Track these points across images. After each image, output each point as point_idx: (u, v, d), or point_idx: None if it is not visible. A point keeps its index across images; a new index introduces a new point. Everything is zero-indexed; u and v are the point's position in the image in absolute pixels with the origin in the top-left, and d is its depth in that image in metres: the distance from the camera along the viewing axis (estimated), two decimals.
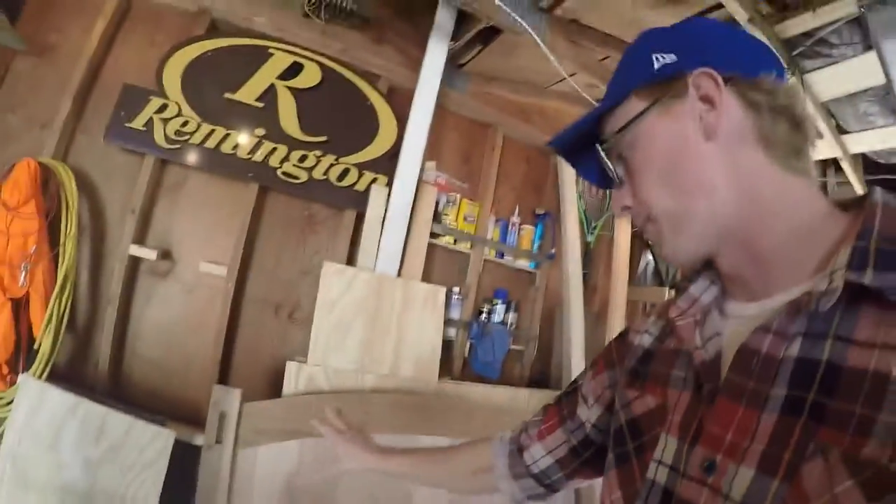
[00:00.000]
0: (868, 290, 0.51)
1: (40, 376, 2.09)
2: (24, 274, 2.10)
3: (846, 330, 0.52)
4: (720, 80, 0.63)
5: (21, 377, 2.00)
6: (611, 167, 0.73)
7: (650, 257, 3.83)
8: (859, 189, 3.32)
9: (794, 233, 0.62)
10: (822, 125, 2.70)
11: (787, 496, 0.49)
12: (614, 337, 0.93)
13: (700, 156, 0.64)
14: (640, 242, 3.85)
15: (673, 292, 0.85)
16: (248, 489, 1.91)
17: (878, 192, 0.60)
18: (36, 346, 2.13)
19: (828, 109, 2.70)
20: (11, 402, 1.98)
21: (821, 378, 0.51)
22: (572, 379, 1.02)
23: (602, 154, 0.73)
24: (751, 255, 0.64)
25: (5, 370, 2.11)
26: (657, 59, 0.67)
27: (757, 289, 0.65)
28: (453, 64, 2.92)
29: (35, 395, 1.92)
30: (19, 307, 2.13)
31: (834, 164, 3.36)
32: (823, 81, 2.42)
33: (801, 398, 0.52)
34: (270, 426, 1.98)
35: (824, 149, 2.98)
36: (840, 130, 2.88)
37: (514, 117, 3.17)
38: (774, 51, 0.72)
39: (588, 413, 0.90)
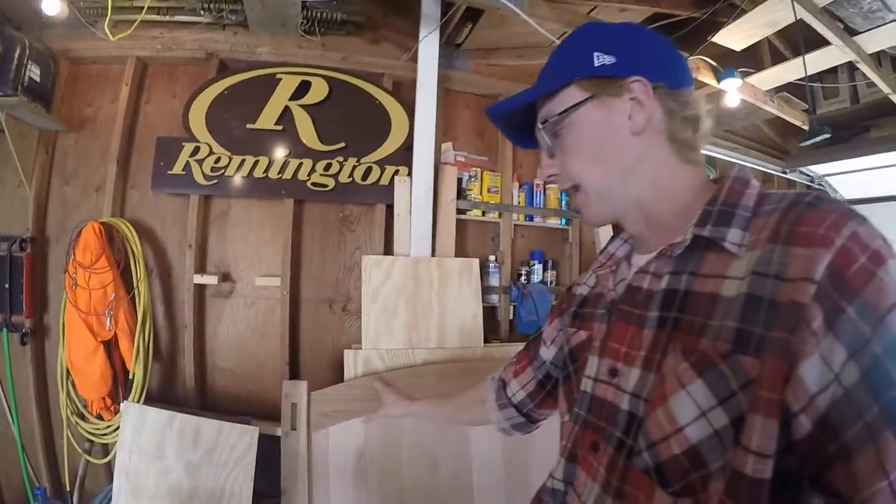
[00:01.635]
0: (710, 240, 0.71)
1: (138, 401, 2.41)
2: (108, 319, 2.42)
3: (695, 267, 0.72)
4: (651, 88, 0.78)
5: (123, 405, 2.31)
6: (547, 142, 0.86)
7: None
8: (886, 89, 3.34)
9: (678, 207, 0.80)
10: (826, 30, 2.64)
11: (657, 381, 0.70)
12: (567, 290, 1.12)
13: (625, 145, 0.79)
14: None
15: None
16: (324, 466, 2.14)
17: (735, 170, 0.79)
18: (130, 377, 2.46)
19: (830, 13, 2.63)
20: (118, 428, 2.29)
21: (679, 301, 0.72)
22: None
23: (541, 130, 0.86)
24: (648, 222, 0.83)
25: (108, 402, 2.44)
26: (597, 57, 0.79)
27: (650, 245, 0.83)
28: (451, 45, 3.03)
29: (136, 417, 2.22)
30: (110, 347, 2.46)
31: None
32: None
33: (666, 316, 0.73)
34: (336, 409, 2.20)
35: (836, 54, 2.92)
36: (851, 32, 2.80)
37: (521, 82, 3.20)
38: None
39: (547, 353, 1.10)
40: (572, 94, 0.81)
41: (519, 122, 0.93)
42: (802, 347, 0.56)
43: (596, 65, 0.79)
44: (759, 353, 0.60)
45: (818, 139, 2.67)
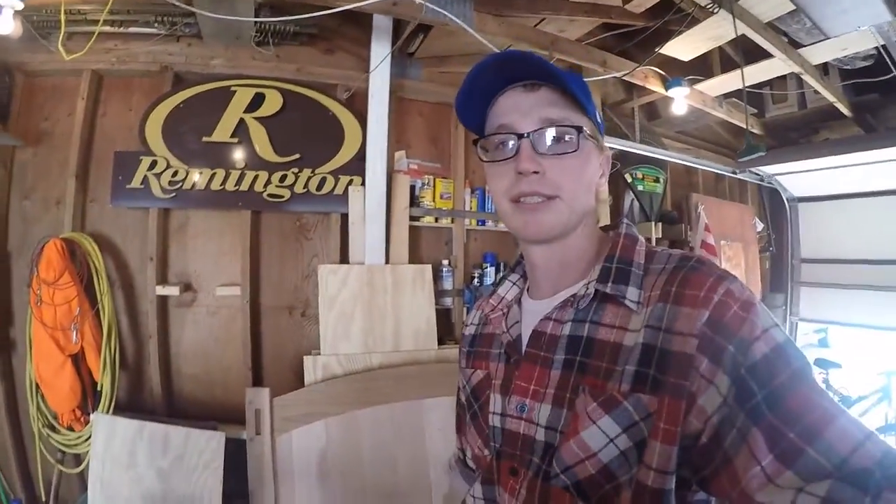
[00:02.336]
0: (609, 294, 0.82)
1: (107, 411, 2.51)
2: (74, 333, 2.50)
3: (597, 317, 0.82)
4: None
5: (93, 416, 2.41)
6: (561, 139, 0.84)
7: (632, 196, 4.04)
8: (830, 98, 3.65)
9: (582, 254, 0.91)
10: (768, 45, 2.81)
11: (570, 417, 0.80)
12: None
13: (592, 192, 0.90)
14: (621, 183, 4.03)
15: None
16: (288, 468, 2.29)
17: (623, 226, 0.91)
18: (99, 388, 2.55)
19: (775, 27, 2.80)
20: (89, 437, 2.39)
21: (582, 347, 0.82)
22: None
23: (552, 125, 0.84)
24: (561, 260, 0.91)
25: (79, 413, 2.55)
26: (599, 115, 0.92)
27: (543, 289, 0.94)
28: (404, 55, 3.11)
29: (106, 427, 2.32)
30: (78, 360, 2.54)
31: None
32: (758, 4, 2.59)
33: (571, 359, 0.82)
34: (297, 412, 2.35)
35: (781, 65, 3.11)
36: (796, 45, 2.99)
37: None
38: None
39: (465, 396, 1.17)
40: (588, 125, 0.86)
41: (486, 87, 0.90)
42: (699, 385, 0.70)
43: (599, 120, 0.92)
44: (655, 392, 0.73)
45: (754, 156, 2.83)
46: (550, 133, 0.84)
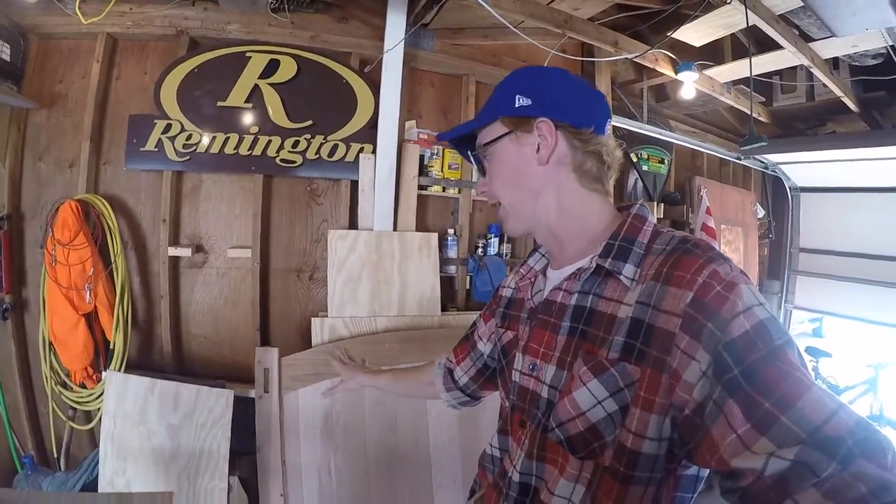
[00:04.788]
0: (609, 270, 0.89)
1: (119, 369, 2.56)
2: (88, 293, 2.53)
3: (599, 290, 0.91)
4: (553, 126, 0.96)
5: (105, 374, 2.46)
6: (478, 166, 1.10)
7: (637, 175, 4.08)
8: (838, 92, 3.68)
9: (582, 230, 1.00)
10: (779, 36, 2.83)
11: (567, 378, 0.90)
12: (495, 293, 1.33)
13: (533, 173, 0.99)
14: (627, 162, 4.07)
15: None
16: (294, 425, 2.35)
17: (636, 207, 0.98)
18: (111, 347, 2.60)
19: (787, 20, 2.82)
20: (101, 395, 2.44)
21: (585, 316, 0.91)
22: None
23: (471, 156, 1.11)
24: (557, 240, 1.03)
25: (91, 371, 2.59)
26: (519, 99, 0.98)
27: (560, 261, 1.04)
28: (418, 25, 3.10)
29: (119, 384, 2.36)
30: (91, 319, 2.58)
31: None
32: None
33: (575, 327, 0.92)
34: (304, 372, 2.41)
35: (790, 57, 3.14)
36: (807, 38, 3.01)
37: (485, 63, 3.34)
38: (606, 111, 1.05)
39: (484, 347, 1.32)
40: (497, 129, 1.01)
41: (467, 141, 1.11)
42: (680, 360, 0.76)
43: (516, 105, 0.98)
44: (639, 362, 0.81)
45: (755, 146, 2.87)
46: (476, 162, 1.10)
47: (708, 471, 0.84)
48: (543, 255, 1.14)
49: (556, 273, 1.05)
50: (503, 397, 1.12)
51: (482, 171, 1.09)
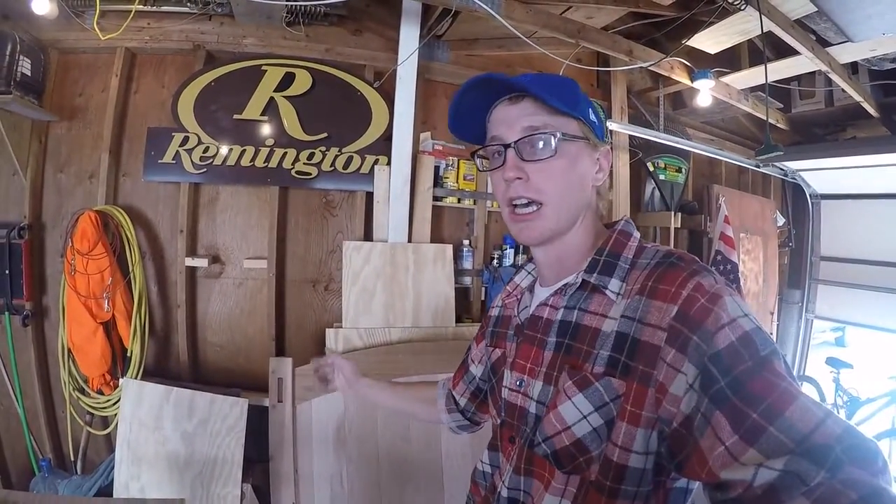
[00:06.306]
0: (595, 284, 0.89)
1: (136, 376, 2.60)
2: (106, 301, 2.59)
3: (584, 305, 0.90)
4: (611, 156, 0.97)
5: (122, 381, 2.49)
6: (528, 147, 0.90)
7: (654, 184, 4.04)
8: (857, 97, 3.63)
9: (581, 248, 0.97)
10: (795, 42, 2.79)
11: (553, 393, 0.88)
12: (485, 314, 1.31)
13: (586, 190, 0.96)
14: (643, 171, 4.04)
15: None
16: (307, 435, 2.35)
17: (621, 223, 0.97)
18: (128, 354, 2.65)
19: (804, 25, 2.78)
20: (118, 401, 2.48)
21: (570, 331, 0.90)
22: None
23: (534, 134, 0.89)
24: (559, 255, 0.98)
25: (108, 378, 2.64)
26: (592, 112, 0.95)
27: (549, 279, 1.01)
28: (432, 36, 3.12)
29: (135, 391, 2.40)
30: (108, 328, 2.64)
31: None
32: (787, 1, 2.57)
33: (561, 342, 0.91)
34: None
35: (808, 63, 3.09)
36: (824, 44, 2.97)
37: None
38: None
39: (476, 370, 1.31)
40: (573, 126, 0.92)
41: (472, 105, 0.97)
42: (666, 374, 0.75)
43: (590, 118, 0.95)
44: (624, 376, 0.80)
45: (771, 155, 2.84)
46: (531, 141, 0.90)
47: (697, 483, 0.83)
48: (530, 273, 1.13)
49: (543, 290, 1.03)
50: (493, 415, 1.11)
51: (521, 157, 0.90)
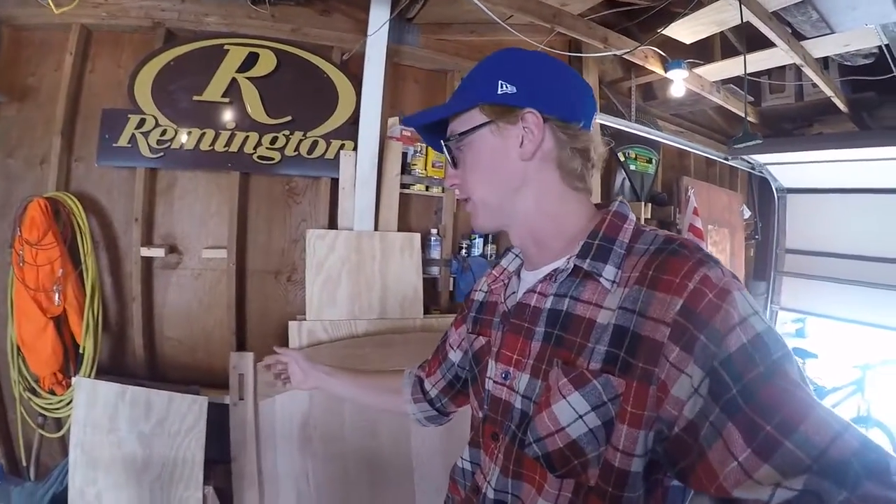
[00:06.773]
0: (588, 271, 0.82)
1: (89, 375, 2.46)
2: (57, 294, 2.44)
3: (576, 293, 0.84)
4: (541, 119, 0.87)
5: (74, 379, 2.34)
6: (451, 157, 0.96)
7: (624, 174, 4.04)
8: (828, 92, 3.66)
9: (561, 230, 0.91)
10: (772, 34, 2.78)
11: (543, 388, 0.82)
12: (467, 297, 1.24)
13: (514, 168, 0.89)
14: (614, 161, 4.04)
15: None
16: (271, 434, 2.27)
17: (615, 204, 0.91)
18: (81, 351, 2.50)
19: (780, 17, 2.77)
20: (70, 401, 2.34)
21: (561, 320, 0.84)
22: None
23: (444, 146, 0.96)
24: (533, 238, 0.94)
25: (60, 377, 2.50)
26: (501, 85, 0.87)
27: (535, 262, 0.96)
28: (403, 19, 3.03)
29: (88, 391, 2.25)
30: (60, 323, 2.48)
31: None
32: None
33: (550, 332, 0.85)
34: None
35: (782, 56, 3.09)
36: (799, 37, 2.96)
37: (471, 58, 3.25)
38: (594, 104, 0.97)
39: (454, 356, 1.24)
40: (475, 117, 0.90)
41: (435, 130, 1.01)
42: (669, 373, 0.69)
43: (498, 92, 0.87)
44: (624, 374, 0.74)
45: (750, 143, 2.83)
46: (448, 150, 0.96)
47: None
48: (517, 256, 1.06)
49: (530, 275, 0.97)
50: (475, 408, 1.05)
51: (454, 163, 0.97)
